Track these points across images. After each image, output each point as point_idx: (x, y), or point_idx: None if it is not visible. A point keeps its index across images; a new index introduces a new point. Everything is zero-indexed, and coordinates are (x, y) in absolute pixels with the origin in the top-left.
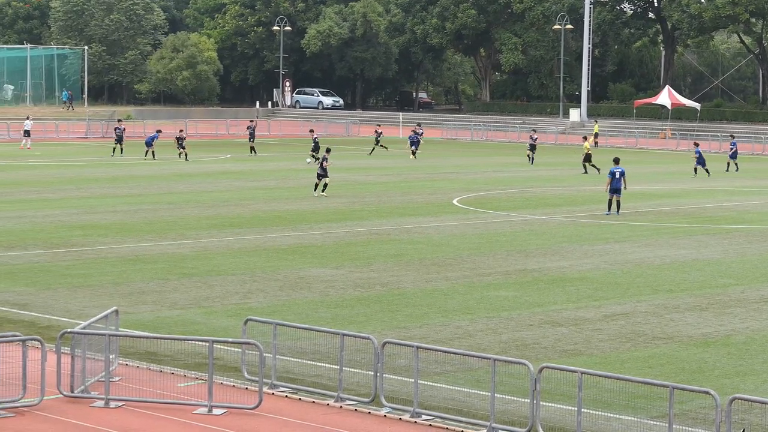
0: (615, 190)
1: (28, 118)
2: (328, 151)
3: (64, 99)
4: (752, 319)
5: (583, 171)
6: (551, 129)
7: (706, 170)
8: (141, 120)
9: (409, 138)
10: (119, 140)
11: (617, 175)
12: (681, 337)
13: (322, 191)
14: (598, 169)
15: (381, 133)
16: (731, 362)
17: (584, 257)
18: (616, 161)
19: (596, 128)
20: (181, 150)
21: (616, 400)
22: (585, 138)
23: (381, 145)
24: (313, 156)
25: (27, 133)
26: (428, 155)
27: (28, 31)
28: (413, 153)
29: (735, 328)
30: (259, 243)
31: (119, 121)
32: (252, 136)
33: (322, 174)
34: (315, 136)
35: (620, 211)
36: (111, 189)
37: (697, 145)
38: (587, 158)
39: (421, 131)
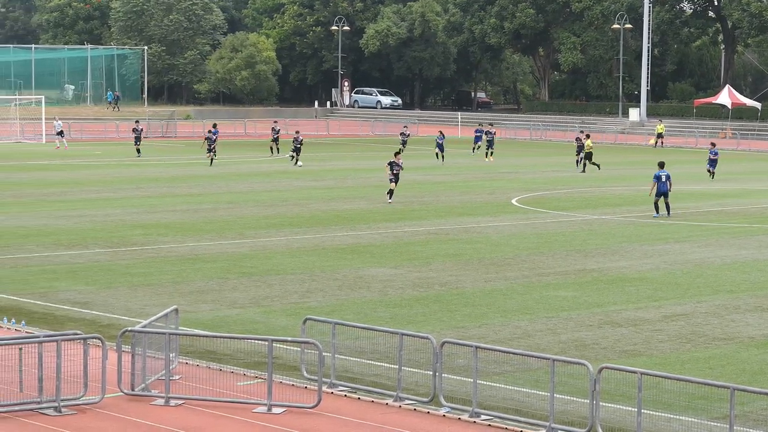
0: (662, 193)
1: (56, 119)
2: (396, 155)
3: (108, 99)
4: None
5: (581, 170)
6: (610, 129)
7: (712, 173)
8: (200, 120)
9: (487, 138)
10: (137, 140)
11: (663, 179)
12: (742, 337)
13: (390, 198)
14: (598, 166)
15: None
16: None
17: (644, 257)
18: (661, 165)
19: (660, 128)
20: (210, 153)
21: (676, 401)
22: (588, 136)
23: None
24: (292, 157)
25: (61, 133)
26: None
27: (88, 31)
28: (488, 154)
29: None
30: (318, 242)
31: (137, 122)
32: (276, 139)
33: (395, 179)
34: (300, 136)
35: (671, 212)
36: (171, 188)
37: (714, 145)
38: (588, 156)
39: (493, 131)
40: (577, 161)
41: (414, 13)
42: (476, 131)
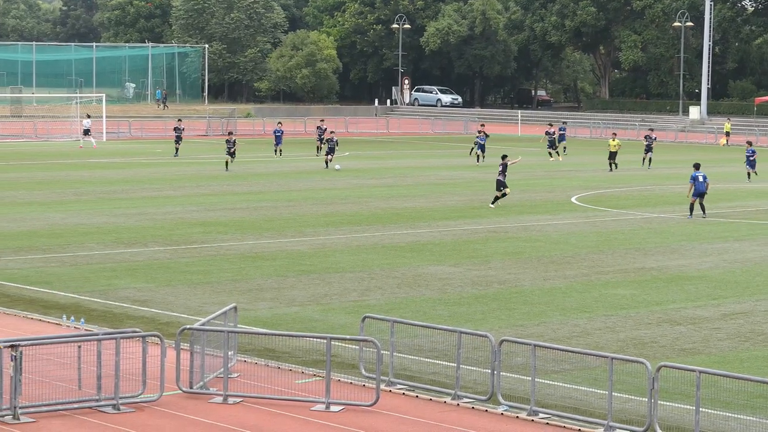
0: (700, 193)
1: (88, 117)
2: (504, 158)
3: (157, 97)
4: None
5: (609, 169)
6: (671, 127)
7: (752, 173)
8: (261, 118)
9: (549, 138)
10: (178, 140)
11: (700, 179)
12: None
13: (492, 203)
14: (616, 165)
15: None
16: None
17: (703, 256)
18: (697, 166)
19: (728, 126)
20: (229, 155)
21: (734, 399)
22: (614, 134)
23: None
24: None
25: (87, 132)
26: (537, 153)
27: (149, 29)
28: (554, 154)
29: None
30: (377, 240)
31: (179, 120)
32: (320, 137)
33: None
34: (335, 137)
35: (706, 213)
36: (230, 186)
37: (750, 144)
38: (612, 156)
39: (552, 131)
40: (643, 159)
41: (475, 11)
42: (559, 128)
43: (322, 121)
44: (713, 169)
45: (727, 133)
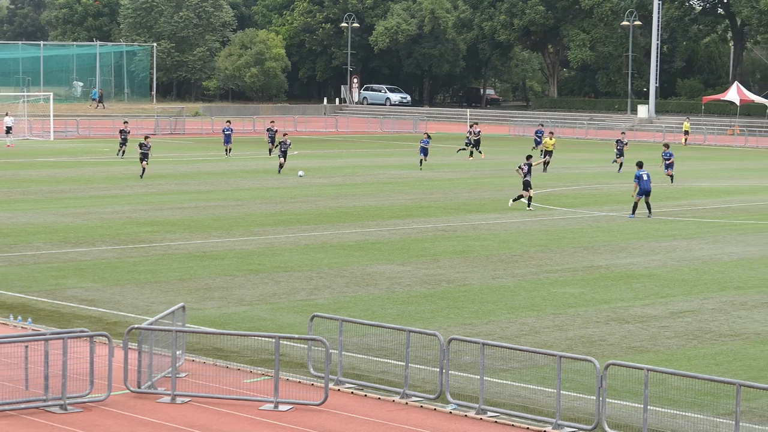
0: (645, 192)
1: (7, 114)
2: (528, 158)
3: (93, 97)
4: None
5: (543, 169)
6: (619, 125)
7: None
8: (209, 117)
9: (473, 138)
10: (124, 142)
11: (645, 177)
12: (748, 334)
13: (515, 200)
14: (547, 164)
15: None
16: None
17: (651, 254)
18: (640, 165)
19: (687, 126)
20: (144, 162)
21: (682, 397)
22: (552, 133)
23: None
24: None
25: (8, 129)
26: (496, 152)
27: (97, 28)
28: (471, 154)
29: None
30: (326, 239)
31: (125, 122)
32: (272, 139)
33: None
34: (284, 137)
35: (651, 212)
36: (179, 185)
37: (667, 147)
38: (548, 153)
39: (478, 130)
40: (615, 162)
41: (424, 9)
42: (536, 132)
43: (273, 122)
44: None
45: (686, 132)
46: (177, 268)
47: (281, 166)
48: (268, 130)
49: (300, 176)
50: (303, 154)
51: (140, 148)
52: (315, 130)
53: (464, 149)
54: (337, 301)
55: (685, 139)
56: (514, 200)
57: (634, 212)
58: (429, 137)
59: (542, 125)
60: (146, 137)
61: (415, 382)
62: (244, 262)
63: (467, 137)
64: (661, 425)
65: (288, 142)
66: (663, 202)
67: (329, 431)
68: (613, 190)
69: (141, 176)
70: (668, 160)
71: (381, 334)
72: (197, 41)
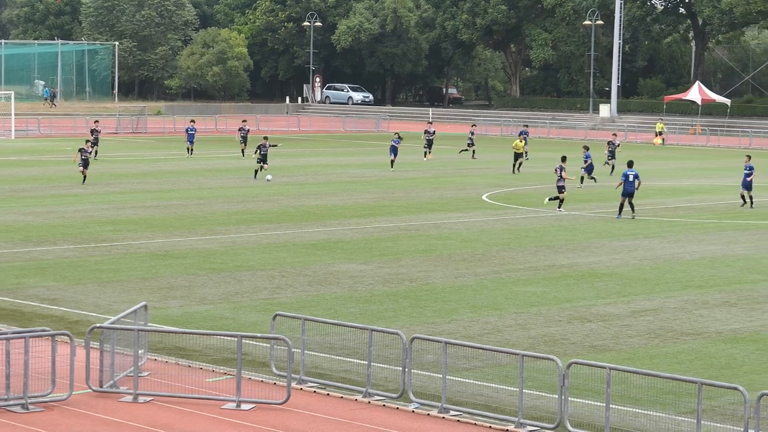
0: (629, 193)
1: None
2: (563, 159)
3: (45, 95)
4: None
5: (512, 171)
6: (581, 125)
7: (593, 178)
8: (171, 116)
9: (426, 138)
10: (96, 141)
11: (631, 178)
12: (710, 332)
13: (558, 206)
14: (515, 170)
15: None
16: (760, 358)
17: (613, 253)
18: (630, 164)
19: (660, 126)
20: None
21: (644, 395)
22: (523, 137)
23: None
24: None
25: None
26: (454, 151)
27: (59, 26)
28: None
29: (764, 324)
30: (288, 238)
31: (96, 122)
32: (245, 139)
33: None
34: (264, 140)
35: (635, 212)
36: (141, 184)
37: (587, 149)
38: (516, 156)
39: (432, 130)
40: (607, 164)
41: (386, 8)
42: (521, 132)
43: (245, 121)
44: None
45: (660, 133)
46: (139, 267)
47: (260, 170)
48: (240, 129)
49: (268, 180)
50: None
51: (80, 153)
52: (277, 129)
53: (466, 150)
54: (299, 300)
55: (663, 139)
56: (559, 209)
57: (620, 213)
58: (400, 138)
59: (526, 126)
60: (87, 141)
61: (378, 381)
62: (206, 261)
63: (469, 138)
64: (623, 424)
65: (267, 145)
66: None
67: (292, 430)
68: (576, 189)
69: (83, 182)
70: (587, 160)
71: (343, 333)
72: (159, 40)
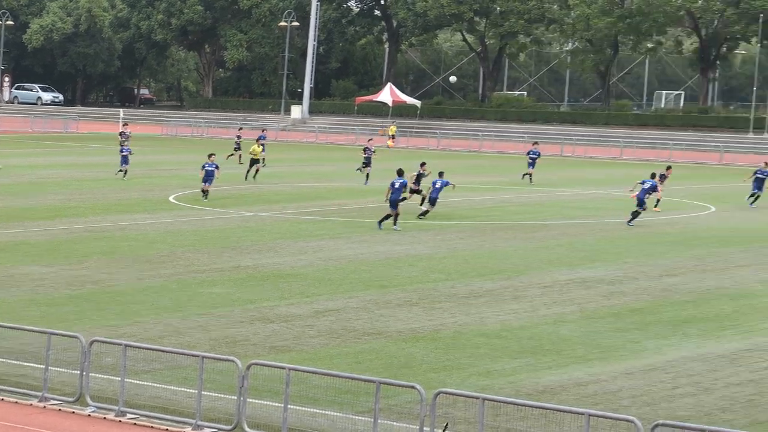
0: (394, 202)
1: None
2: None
3: None
4: (460, 313)
5: (245, 177)
6: (273, 126)
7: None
8: None
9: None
10: None
11: (397, 185)
12: (390, 332)
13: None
14: (248, 177)
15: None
16: (438, 357)
17: (299, 254)
18: (400, 173)
19: (392, 129)
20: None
21: (323, 396)
22: (258, 140)
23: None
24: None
25: None
26: (147, 151)
27: None
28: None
29: (443, 323)
30: None
31: None
32: None
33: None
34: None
35: (397, 223)
36: None
37: (536, 144)
38: (252, 162)
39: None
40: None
41: (81, 8)
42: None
43: None
44: (319, 168)
45: (393, 136)
46: None
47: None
48: None
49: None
50: None
51: None
52: None
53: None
54: None
55: (392, 142)
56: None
57: (381, 224)
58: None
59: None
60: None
61: (55, 385)
62: None
63: (366, 155)
64: (300, 424)
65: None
66: (311, 202)
67: None
68: (264, 191)
69: None
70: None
71: (22, 336)
72: None
